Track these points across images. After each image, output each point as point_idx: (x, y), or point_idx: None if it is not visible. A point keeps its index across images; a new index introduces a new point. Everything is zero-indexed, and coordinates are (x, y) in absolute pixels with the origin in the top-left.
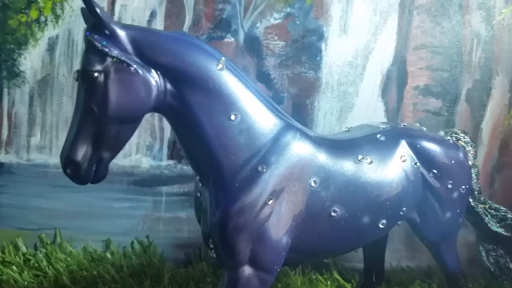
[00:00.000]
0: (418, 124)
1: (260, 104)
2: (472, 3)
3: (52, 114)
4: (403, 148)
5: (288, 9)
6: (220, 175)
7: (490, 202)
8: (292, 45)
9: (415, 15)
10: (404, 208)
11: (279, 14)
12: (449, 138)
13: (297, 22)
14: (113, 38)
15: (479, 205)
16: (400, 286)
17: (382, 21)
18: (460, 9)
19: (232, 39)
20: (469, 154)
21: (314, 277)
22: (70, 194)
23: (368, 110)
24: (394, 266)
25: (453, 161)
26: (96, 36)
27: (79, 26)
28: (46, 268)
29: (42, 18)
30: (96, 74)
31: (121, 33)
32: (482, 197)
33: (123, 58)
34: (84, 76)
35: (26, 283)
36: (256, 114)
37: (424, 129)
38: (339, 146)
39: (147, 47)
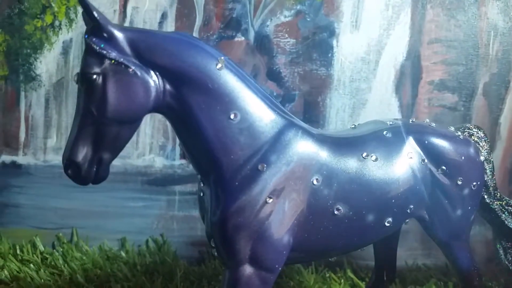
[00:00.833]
0: (428, 119)
1: (261, 102)
2: None
3: (67, 116)
4: (410, 145)
5: (298, 6)
6: (220, 174)
7: (507, 198)
8: (303, 43)
9: (428, 8)
10: (411, 206)
11: (289, 11)
12: (459, 133)
13: (308, 19)
14: (111, 41)
15: (495, 202)
16: (416, 284)
17: (395, 16)
18: (476, 1)
19: (243, 38)
20: (482, 150)
21: (327, 275)
22: (86, 194)
23: (382, 107)
24: (410, 264)
25: (463, 157)
26: (94, 39)
27: None
28: (62, 267)
29: (57, 23)
30: (94, 76)
31: (119, 35)
32: (498, 193)
33: (121, 60)
34: (83, 78)
35: (42, 281)
36: (257, 113)
37: (433, 124)
38: (343, 143)
39: (145, 49)
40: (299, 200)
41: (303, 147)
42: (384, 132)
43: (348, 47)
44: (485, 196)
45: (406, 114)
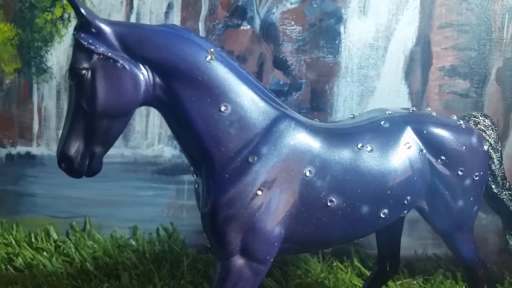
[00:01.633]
0: (429, 108)
1: (252, 94)
2: None
3: None
4: (408, 135)
5: None
6: (211, 166)
7: None
8: (309, 30)
9: None
10: (409, 197)
11: None
12: (461, 122)
13: (314, 5)
14: (99, 36)
15: (504, 192)
16: (424, 274)
17: (404, 0)
18: None
19: (249, 27)
20: (489, 139)
21: (334, 264)
22: (98, 183)
23: (391, 94)
24: (420, 254)
25: (464, 147)
26: (83, 35)
27: None
28: (74, 255)
29: (66, 15)
30: (83, 72)
31: (107, 30)
32: (507, 183)
33: (110, 54)
34: (72, 74)
35: (54, 268)
36: (248, 105)
37: (434, 114)
38: (338, 134)
39: (134, 42)
40: (291, 192)
41: (296, 139)
42: (382, 122)
43: (356, 33)
44: (493, 186)
45: (416, 102)
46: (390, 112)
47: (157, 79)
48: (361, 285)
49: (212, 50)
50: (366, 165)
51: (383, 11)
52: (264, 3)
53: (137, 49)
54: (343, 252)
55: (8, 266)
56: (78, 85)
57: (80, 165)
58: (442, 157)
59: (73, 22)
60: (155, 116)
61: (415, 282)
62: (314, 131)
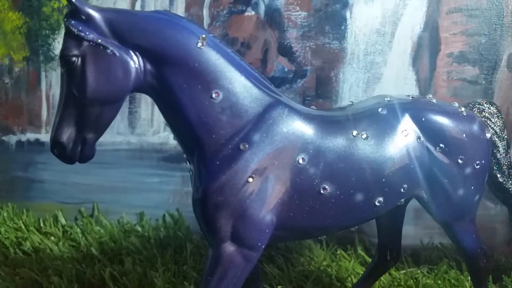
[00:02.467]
0: (430, 95)
1: (245, 81)
2: None
3: None
4: (406, 122)
5: None
6: (202, 153)
7: None
8: (314, 15)
9: None
10: (405, 185)
11: None
12: (463, 109)
13: None
14: (89, 23)
15: (509, 181)
16: (429, 263)
17: None
18: None
19: (253, 13)
20: (494, 126)
21: (338, 252)
22: (105, 170)
23: (398, 81)
24: (425, 243)
25: (464, 135)
26: (73, 22)
27: None
28: (81, 240)
29: None
30: (73, 59)
31: (97, 17)
32: None
33: (99, 41)
34: (62, 61)
35: (61, 252)
36: (240, 91)
37: (434, 100)
38: (333, 122)
39: (124, 29)
40: (283, 179)
41: (288, 126)
42: (379, 109)
43: (362, 19)
44: (498, 175)
45: (423, 88)
46: (388, 99)
47: (148, 66)
48: None
49: (203, 36)
50: (360, 152)
51: None
52: None
53: (128, 36)
54: (347, 240)
55: (17, 249)
56: (69, 72)
57: (73, 151)
58: (441, 145)
59: None
60: None
61: (419, 271)
62: (308, 118)
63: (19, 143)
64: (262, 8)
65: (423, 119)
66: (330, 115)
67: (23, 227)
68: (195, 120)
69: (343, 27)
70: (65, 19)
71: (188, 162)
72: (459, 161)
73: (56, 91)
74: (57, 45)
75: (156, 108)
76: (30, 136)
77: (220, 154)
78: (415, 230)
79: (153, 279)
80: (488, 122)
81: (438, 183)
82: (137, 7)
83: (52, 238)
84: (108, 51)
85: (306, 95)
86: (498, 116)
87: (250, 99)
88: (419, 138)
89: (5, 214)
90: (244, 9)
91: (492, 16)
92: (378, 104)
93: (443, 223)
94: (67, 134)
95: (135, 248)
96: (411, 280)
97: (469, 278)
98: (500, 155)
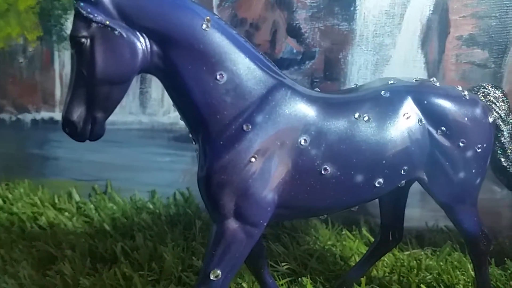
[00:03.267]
0: (435, 78)
1: (249, 62)
2: None
3: None
4: (408, 105)
5: None
6: (207, 133)
7: None
8: None
9: None
10: (406, 167)
11: None
12: (465, 93)
13: None
14: (98, 5)
15: None
16: (434, 246)
17: None
18: None
19: None
20: (499, 111)
21: (343, 232)
22: (118, 148)
23: (407, 63)
24: (431, 226)
25: (466, 118)
26: (82, 4)
27: None
28: (94, 216)
29: None
30: (83, 40)
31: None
32: None
33: (107, 22)
34: (72, 42)
35: (74, 227)
36: (244, 73)
37: (438, 84)
38: (336, 104)
39: (131, 11)
40: (285, 159)
41: (291, 108)
42: (382, 92)
43: (371, 0)
44: (502, 159)
45: (432, 71)
46: (392, 82)
47: (154, 47)
48: None
49: (208, 18)
50: (362, 134)
51: None
52: None
53: (135, 18)
54: (352, 221)
55: (33, 224)
56: (78, 53)
57: (83, 130)
58: (443, 128)
59: None
60: None
61: (423, 252)
62: (311, 100)
63: (34, 121)
64: None
65: (425, 102)
66: (332, 97)
67: (38, 202)
68: (200, 101)
69: (352, 8)
70: (75, 2)
71: (194, 142)
72: (461, 144)
73: (69, 70)
74: (69, 25)
75: None
76: (45, 114)
77: (224, 134)
78: (421, 213)
79: (163, 254)
80: (493, 106)
81: (439, 166)
82: None
83: (66, 213)
84: (116, 32)
85: (314, 76)
86: (503, 100)
87: (254, 81)
88: (420, 121)
89: (21, 190)
90: None
91: None
92: (382, 86)
93: (444, 205)
94: (78, 113)
95: (146, 224)
96: (414, 261)
97: None
98: (505, 139)
